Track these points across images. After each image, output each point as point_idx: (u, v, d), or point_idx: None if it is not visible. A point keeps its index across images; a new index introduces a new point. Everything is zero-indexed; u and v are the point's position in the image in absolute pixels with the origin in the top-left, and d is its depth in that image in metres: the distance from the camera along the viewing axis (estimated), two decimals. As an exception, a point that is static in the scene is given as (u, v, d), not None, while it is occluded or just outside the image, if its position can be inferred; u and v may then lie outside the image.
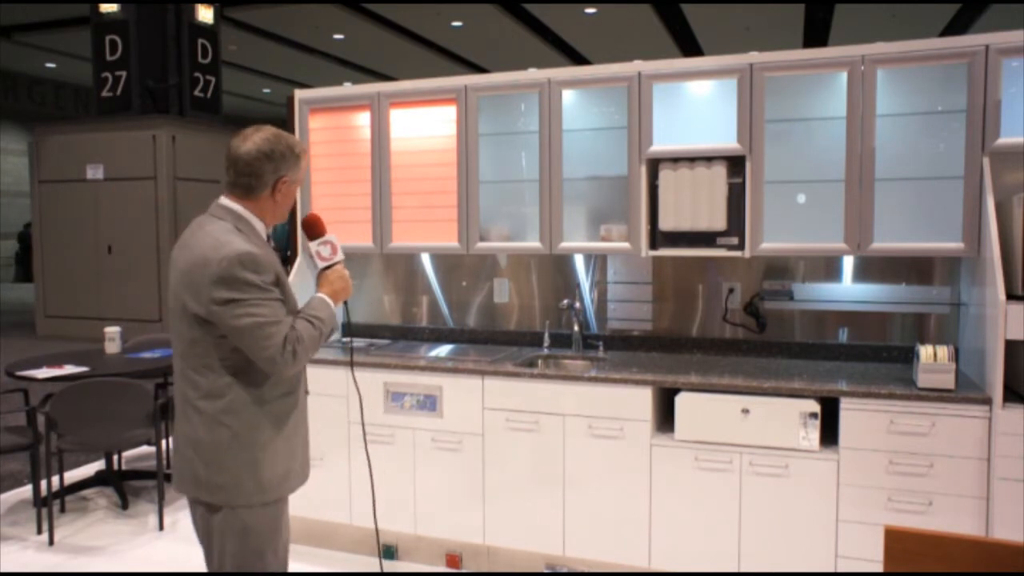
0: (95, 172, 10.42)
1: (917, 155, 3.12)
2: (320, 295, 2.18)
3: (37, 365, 4.34)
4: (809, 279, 3.48)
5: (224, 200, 2.11)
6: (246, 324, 1.95)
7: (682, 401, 3.06)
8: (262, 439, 2.06)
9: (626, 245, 3.36)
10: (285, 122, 4.14)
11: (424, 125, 3.69)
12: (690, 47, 13.21)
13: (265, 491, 2.07)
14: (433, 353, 3.71)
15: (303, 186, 3.87)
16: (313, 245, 2.27)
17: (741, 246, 3.19)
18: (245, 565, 2.07)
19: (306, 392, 2.27)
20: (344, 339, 4.13)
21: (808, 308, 3.49)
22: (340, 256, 2.28)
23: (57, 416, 3.79)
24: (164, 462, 4.26)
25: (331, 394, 3.57)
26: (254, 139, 2.08)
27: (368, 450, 2.79)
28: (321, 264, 2.26)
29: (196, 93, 10.93)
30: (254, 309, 1.95)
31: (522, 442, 3.30)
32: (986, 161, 2.87)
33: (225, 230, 2.03)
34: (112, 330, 4.82)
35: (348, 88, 3.82)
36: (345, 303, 2.31)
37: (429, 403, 3.43)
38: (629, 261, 3.73)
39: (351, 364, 3.23)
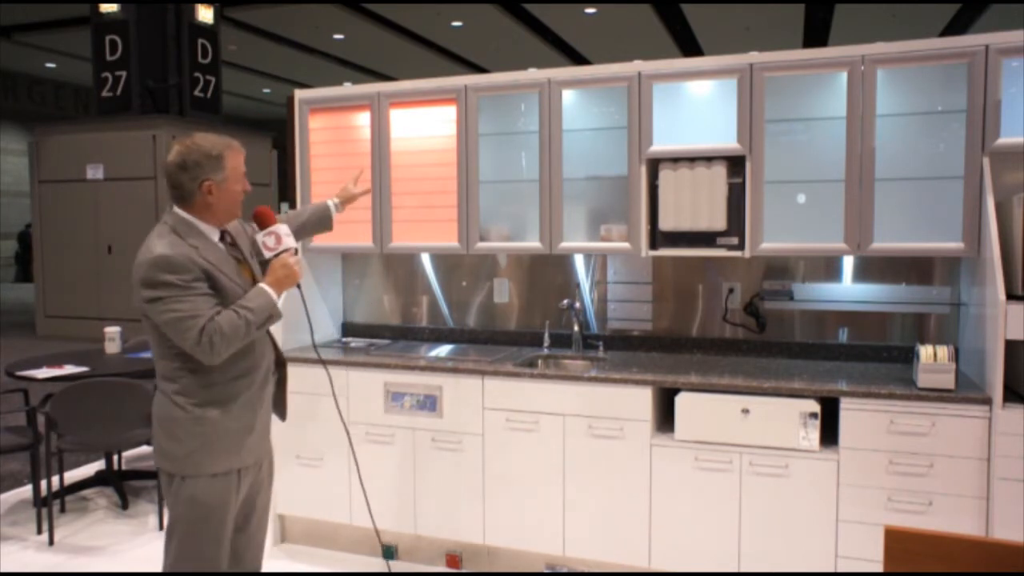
0: (95, 172, 10.42)
1: (917, 155, 3.12)
2: (260, 284, 2.34)
3: (37, 365, 4.34)
4: (809, 279, 3.48)
5: (172, 207, 2.34)
6: (167, 319, 2.20)
7: (682, 401, 3.06)
8: (210, 417, 2.29)
9: (626, 245, 3.36)
10: (285, 122, 4.14)
11: (424, 125, 3.69)
12: (690, 47, 13.21)
13: (214, 463, 2.30)
14: (433, 353, 3.71)
15: (304, 186, 3.87)
16: (259, 236, 2.42)
17: (741, 246, 3.19)
18: (191, 529, 2.31)
19: (272, 374, 2.49)
20: (344, 339, 4.13)
21: (808, 308, 3.49)
22: (285, 245, 2.40)
23: (57, 416, 3.79)
24: (164, 462, 4.25)
25: (330, 394, 3.56)
26: (172, 152, 2.31)
27: (353, 446, 2.80)
28: (267, 254, 2.40)
29: (196, 93, 10.93)
30: (173, 305, 2.19)
31: (522, 442, 3.30)
32: (986, 161, 2.87)
33: (159, 235, 2.27)
34: (112, 330, 4.82)
35: (348, 88, 3.82)
36: (299, 288, 2.52)
37: (429, 403, 3.43)
38: (629, 261, 3.73)
39: (323, 361, 3.21)
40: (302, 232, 2.95)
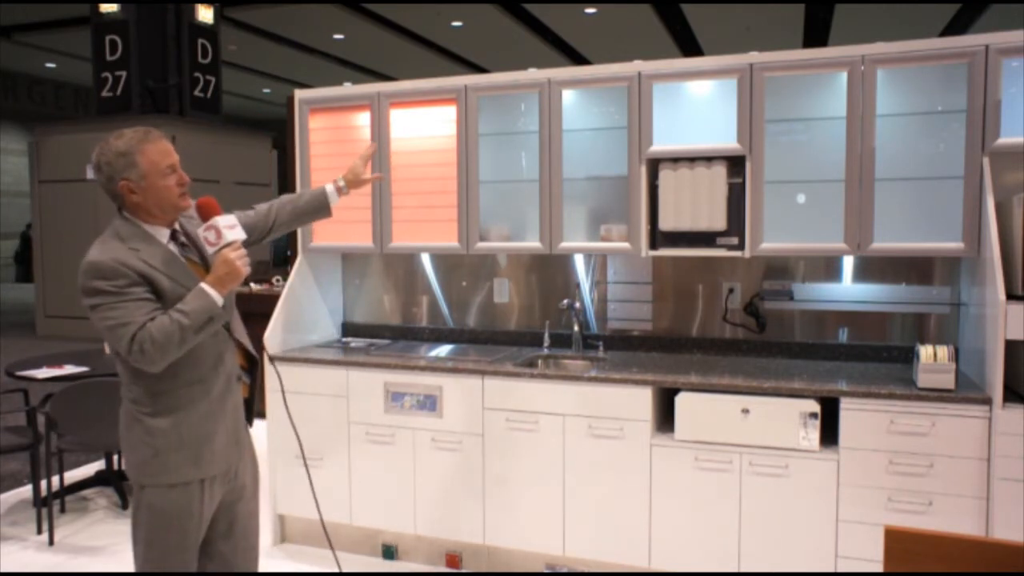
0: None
1: (917, 155, 3.12)
2: (200, 285, 2.15)
3: (37, 365, 4.34)
4: (809, 279, 3.48)
5: (117, 212, 2.24)
6: (103, 327, 2.13)
7: (682, 401, 3.06)
8: (163, 426, 2.19)
9: (626, 245, 3.36)
10: (285, 122, 4.14)
11: (424, 125, 3.68)
12: (690, 47, 13.21)
13: (168, 473, 2.20)
14: (433, 353, 3.71)
15: (304, 186, 3.87)
16: (200, 231, 2.21)
17: (741, 246, 3.19)
18: (152, 537, 2.23)
19: (237, 378, 2.35)
20: (344, 339, 4.13)
21: (808, 308, 3.49)
22: (227, 239, 2.18)
23: (57, 416, 3.79)
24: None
25: (330, 394, 3.57)
26: (91, 156, 2.20)
27: (300, 438, 2.70)
28: (209, 250, 2.21)
29: (196, 93, 10.93)
30: (107, 312, 2.11)
31: (522, 442, 3.30)
32: (986, 161, 2.87)
33: (100, 241, 2.20)
34: (112, 330, 4.81)
35: (348, 88, 3.82)
36: (248, 283, 2.29)
37: (429, 403, 3.43)
38: (629, 261, 3.73)
39: (271, 359, 2.81)
40: (298, 219, 2.69)
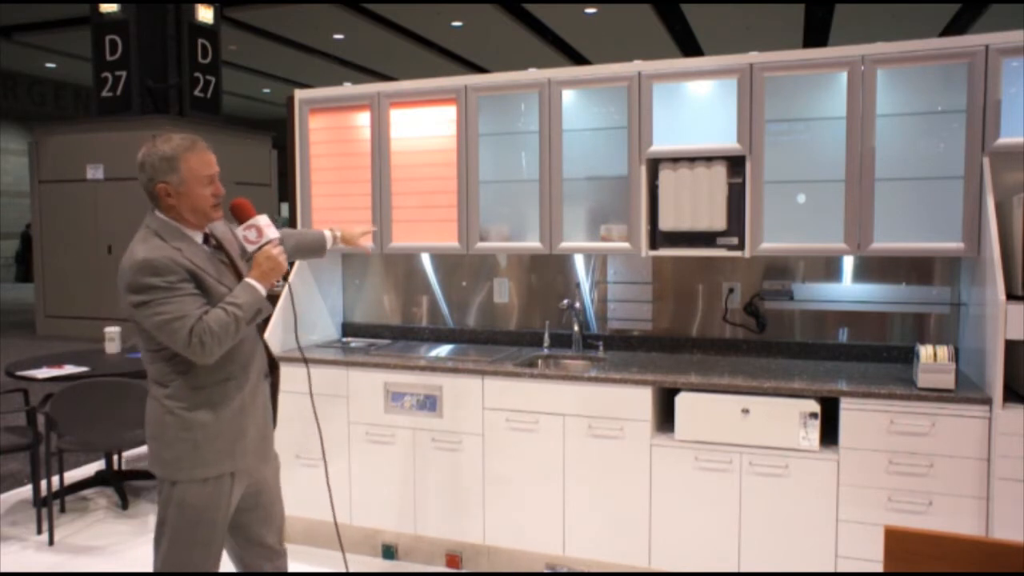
0: (95, 172, 10.42)
1: (917, 155, 3.12)
2: (246, 280, 2.30)
3: (37, 365, 4.34)
4: (809, 279, 3.48)
5: (152, 211, 2.31)
6: (155, 323, 2.17)
7: (682, 401, 3.06)
8: (200, 420, 2.26)
9: (626, 245, 3.36)
10: (285, 122, 4.14)
11: (424, 125, 3.69)
12: (690, 47, 13.22)
13: (206, 467, 2.27)
14: (433, 353, 3.71)
15: (304, 186, 3.88)
16: (239, 231, 2.35)
17: (741, 246, 3.19)
18: (179, 535, 2.29)
19: (265, 376, 2.46)
20: (344, 339, 4.13)
21: (808, 308, 3.49)
22: (268, 237, 2.34)
23: (57, 416, 3.79)
24: (164, 462, 4.25)
25: (330, 394, 3.57)
26: (138, 153, 2.29)
27: (324, 444, 2.74)
28: (250, 248, 2.34)
29: (196, 93, 10.93)
30: (159, 308, 2.16)
31: (522, 442, 3.30)
32: (986, 161, 2.87)
33: (141, 239, 2.26)
34: (112, 330, 4.82)
35: (348, 88, 3.82)
36: (286, 279, 2.46)
37: (429, 403, 3.43)
38: (629, 261, 3.73)
39: (305, 362, 3.14)
40: (298, 252, 2.97)
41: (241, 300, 2.24)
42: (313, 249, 3.03)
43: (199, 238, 2.33)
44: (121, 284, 2.22)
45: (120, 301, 2.27)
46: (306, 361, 3.05)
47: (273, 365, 2.55)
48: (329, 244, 3.05)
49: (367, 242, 3.26)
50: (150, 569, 3.56)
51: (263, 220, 2.36)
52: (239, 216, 2.36)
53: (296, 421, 3.32)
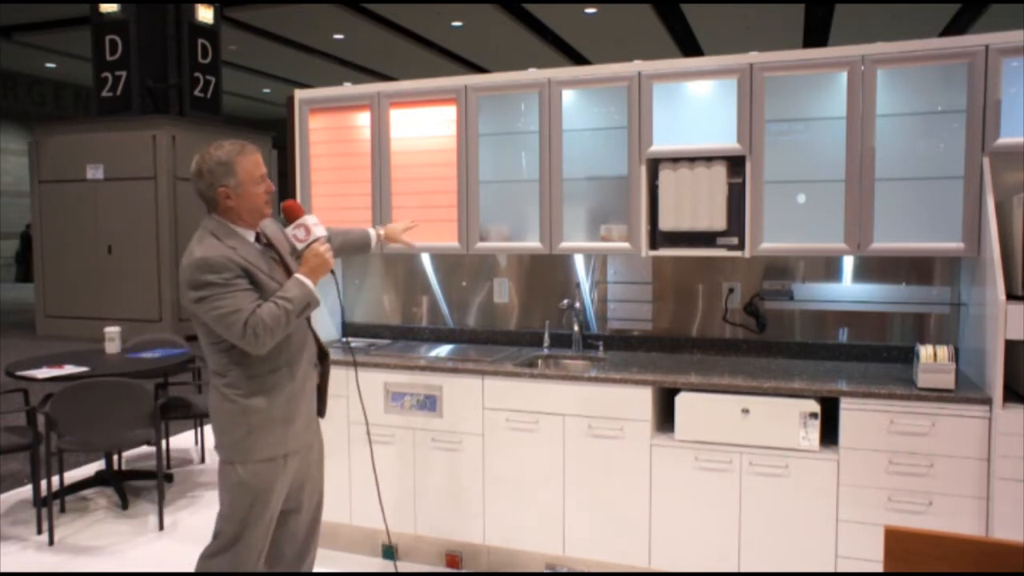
0: (95, 172, 10.42)
1: (917, 155, 3.12)
2: (296, 275, 2.48)
3: (37, 365, 4.34)
4: (809, 279, 3.48)
5: (208, 213, 2.50)
6: (213, 316, 2.35)
7: (682, 401, 3.06)
8: (255, 406, 2.45)
9: (626, 245, 3.36)
10: (285, 122, 4.14)
11: (424, 125, 3.69)
12: (690, 47, 13.22)
13: (259, 450, 2.46)
14: (433, 353, 3.71)
15: (304, 186, 3.87)
16: (289, 230, 2.54)
17: (741, 246, 3.19)
18: (237, 511, 2.49)
19: (314, 366, 2.65)
20: (344, 339, 4.13)
21: (808, 308, 3.49)
22: (315, 235, 2.52)
23: (57, 416, 3.79)
24: (164, 462, 4.26)
25: (330, 394, 3.55)
26: (192, 163, 2.47)
27: (372, 449, 2.80)
28: (299, 246, 2.53)
29: (196, 93, 10.93)
30: (217, 302, 2.34)
31: (522, 442, 3.30)
32: (986, 161, 2.87)
33: (199, 239, 2.44)
34: (112, 330, 4.82)
35: (348, 88, 3.82)
36: (334, 274, 2.62)
37: (429, 403, 3.43)
38: (629, 261, 3.73)
39: (354, 364, 3.29)
40: (343, 250, 3.07)
41: (291, 295, 2.41)
42: (358, 247, 3.16)
43: (251, 236, 2.50)
44: (182, 281, 2.39)
45: (181, 298, 2.44)
46: (355, 364, 3.27)
47: (323, 355, 2.72)
48: (374, 242, 3.18)
49: (410, 238, 3.33)
50: (150, 569, 3.58)
51: (311, 219, 2.54)
52: (289, 216, 2.54)
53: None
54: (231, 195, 2.43)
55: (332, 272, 2.58)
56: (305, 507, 2.71)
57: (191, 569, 3.53)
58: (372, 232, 3.19)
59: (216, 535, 2.54)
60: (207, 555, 2.55)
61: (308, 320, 2.59)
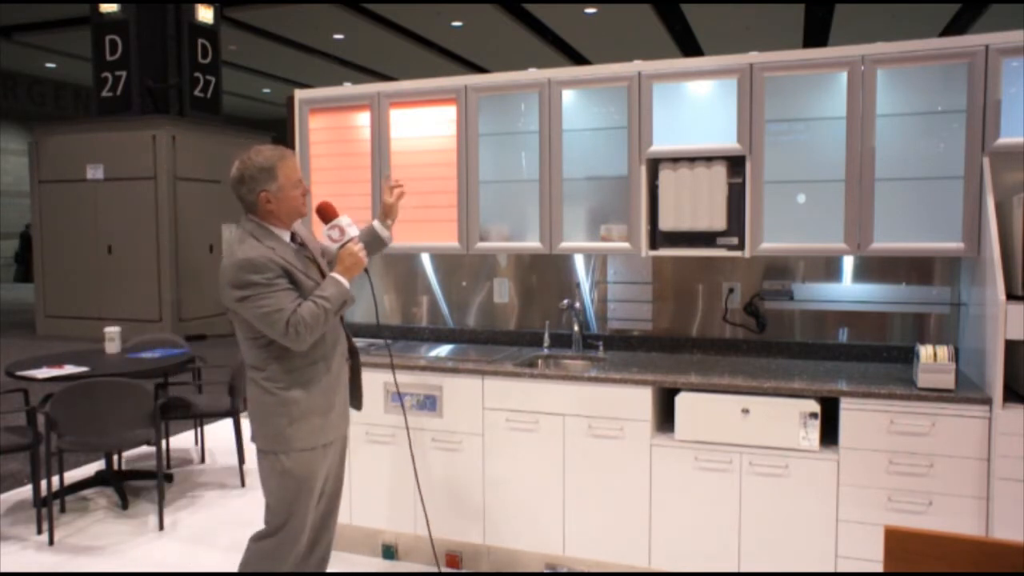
0: (95, 172, 10.43)
1: (917, 155, 3.12)
2: (331, 275, 2.59)
3: (37, 365, 4.34)
4: (809, 279, 3.48)
5: (245, 215, 2.60)
6: (256, 315, 2.45)
7: (682, 401, 3.06)
8: (294, 398, 2.55)
9: (626, 245, 3.36)
10: (285, 122, 4.15)
11: (424, 125, 3.69)
12: (690, 47, 13.22)
13: (301, 440, 2.57)
14: (433, 353, 3.71)
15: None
16: (324, 230, 2.66)
17: (741, 246, 3.19)
18: (283, 498, 2.60)
19: (346, 359, 2.76)
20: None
21: (808, 308, 3.49)
22: (349, 235, 2.64)
23: (57, 416, 3.79)
24: (164, 462, 4.26)
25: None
26: (232, 168, 2.56)
27: (413, 453, 2.79)
28: (333, 246, 2.66)
29: (196, 93, 10.93)
30: (260, 301, 2.44)
31: (522, 442, 3.30)
32: (986, 161, 2.87)
33: (239, 240, 2.54)
34: (112, 330, 4.82)
35: (348, 88, 3.82)
36: (367, 272, 2.74)
37: (429, 403, 3.43)
38: (629, 261, 3.73)
39: (392, 366, 3.34)
40: (368, 250, 2.98)
41: (328, 293, 2.52)
42: (372, 244, 2.97)
43: (287, 237, 2.61)
44: (224, 281, 2.48)
45: (221, 297, 2.52)
46: (393, 367, 3.30)
47: (353, 351, 2.82)
48: (382, 231, 3.00)
49: (400, 193, 3.10)
50: (150, 569, 3.58)
51: (345, 220, 2.65)
52: (324, 216, 2.66)
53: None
54: (271, 199, 2.53)
55: (366, 271, 2.68)
56: (326, 494, 2.79)
57: (191, 569, 3.55)
58: (376, 223, 3.04)
59: (266, 523, 2.65)
60: (256, 537, 2.68)
61: (341, 316, 2.68)
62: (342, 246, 2.63)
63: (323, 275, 2.64)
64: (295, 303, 2.46)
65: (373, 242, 3.05)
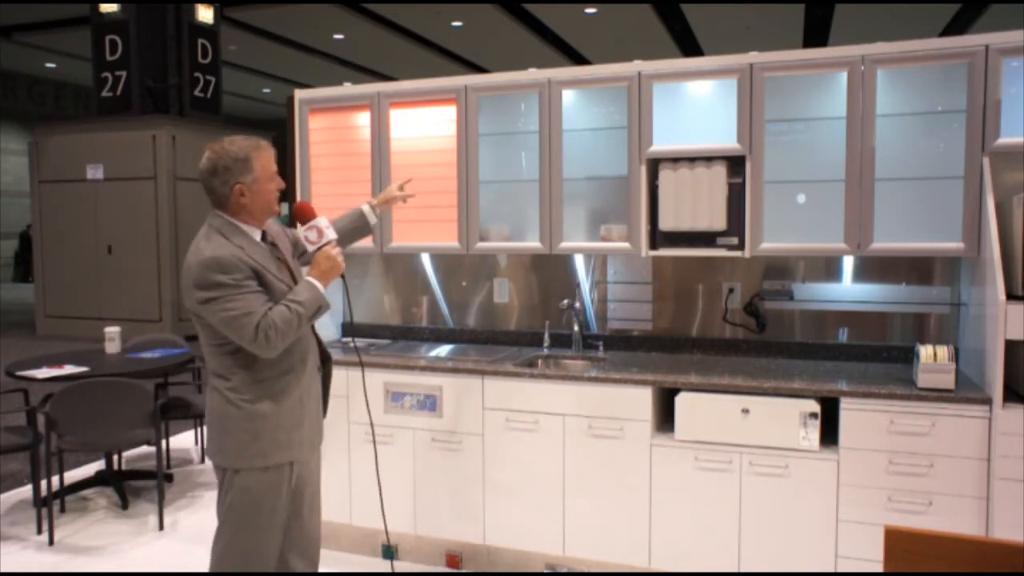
0: (95, 172, 10.42)
1: (917, 155, 3.12)
2: (307, 278, 2.43)
3: (37, 365, 4.34)
4: (809, 279, 3.48)
5: (213, 210, 2.41)
6: (222, 318, 2.27)
7: (682, 401, 3.06)
8: (262, 412, 2.37)
9: (626, 245, 3.36)
10: (285, 122, 4.14)
11: (424, 125, 3.69)
12: (690, 47, 13.22)
13: (265, 456, 2.38)
14: (433, 353, 3.71)
15: (304, 186, 3.87)
16: (301, 232, 2.51)
17: (741, 246, 3.19)
18: (243, 520, 2.40)
19: (317, 368, 2.57)
20: (345, 339, 4.13)
21: (808, 308, 3.49)
22: (327, 238, 2.49)
23: (57, 416, 3.79)
24: (164, 462, 4.26)
25: (332, 394, 3.56)
26: (203, 159, 2.37)
27: (376, 450, 2.80)
28: (310, 248, 2.50)
29: (196, 93, 10.93)
30: (227, 304, 2.26)
31: (522, 442, 3.30)
32: (986, 161, 2.87)
33: (205, 237, 2.35)
34: (112, 330, 4.82)
35: (348, 88, 3.82)
36: (343, 278, 2.54)
37: (429, 403, 3.43)
38: (629, 261, 3.73)
39: (361, 365, 3.30)
40: (345, 241, 2.82)
41: (303, 297, 2.35)
42: (353, 230, 2.89)
43: (257, 235, 2.43)
44: (187, 281, 2.30)
45: (184, 298, 2.35)
46: (362, 365, 3.26)
47: (325, 357, 2.66)
48: (370, 215, 2.92)
49: (408, 190, 3.10)
50: (150, 569, 3.58)
51: (323, 222, 2.50)
52: (301, 217, 2.50)
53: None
54: (246, 192, 2.35)
55: (342, 276, 2.52)
56: (304, 514, 2.60)
57: (191, 569, 3.55)
58: (367, 207, 2.93)
59: (223, 547, 2.43)
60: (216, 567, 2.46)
61: (312, 323, 2.51)
62: (319, 248, 2.48)
63: (295, 278, 2.49)
64: (266, 306, 2.29)
65: (357, 228, 2.91)
